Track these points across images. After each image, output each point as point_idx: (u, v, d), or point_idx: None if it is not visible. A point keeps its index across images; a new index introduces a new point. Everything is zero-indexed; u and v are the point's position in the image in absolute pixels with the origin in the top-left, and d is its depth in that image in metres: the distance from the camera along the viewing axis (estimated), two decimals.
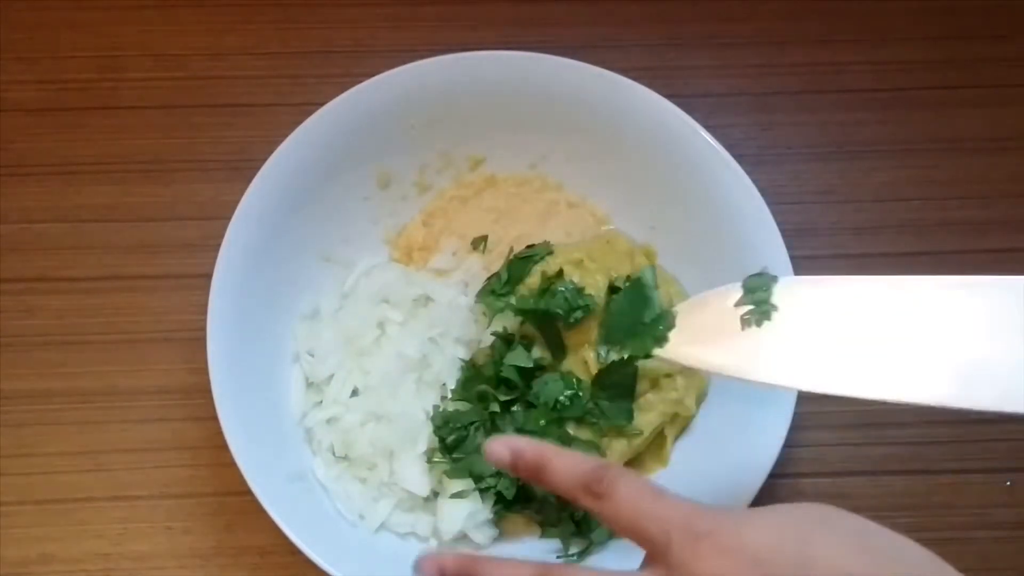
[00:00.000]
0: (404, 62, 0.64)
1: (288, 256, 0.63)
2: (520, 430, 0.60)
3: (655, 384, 0.62)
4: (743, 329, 0.48)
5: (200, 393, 0.58)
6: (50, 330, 0.67)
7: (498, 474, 0.59)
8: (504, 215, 0.68)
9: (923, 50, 0.76)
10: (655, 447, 0.63)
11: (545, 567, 0.41)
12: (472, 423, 0.60)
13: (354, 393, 0.62)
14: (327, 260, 0.66)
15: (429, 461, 0.60)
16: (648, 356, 0.56)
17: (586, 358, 0.61)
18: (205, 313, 0.58)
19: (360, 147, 0.64)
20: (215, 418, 0.56)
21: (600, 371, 0.61)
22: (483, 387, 0.61)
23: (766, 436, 0.58)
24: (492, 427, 0.60)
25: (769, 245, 0.61)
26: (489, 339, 0.62)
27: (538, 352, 0.62)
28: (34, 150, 0.72)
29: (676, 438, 0.63)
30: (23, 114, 0.73)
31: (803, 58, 0.76)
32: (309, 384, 0.63)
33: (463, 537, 0.60)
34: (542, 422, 0.60)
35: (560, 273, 0.62)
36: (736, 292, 0.51)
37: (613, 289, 0.62)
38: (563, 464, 0.42)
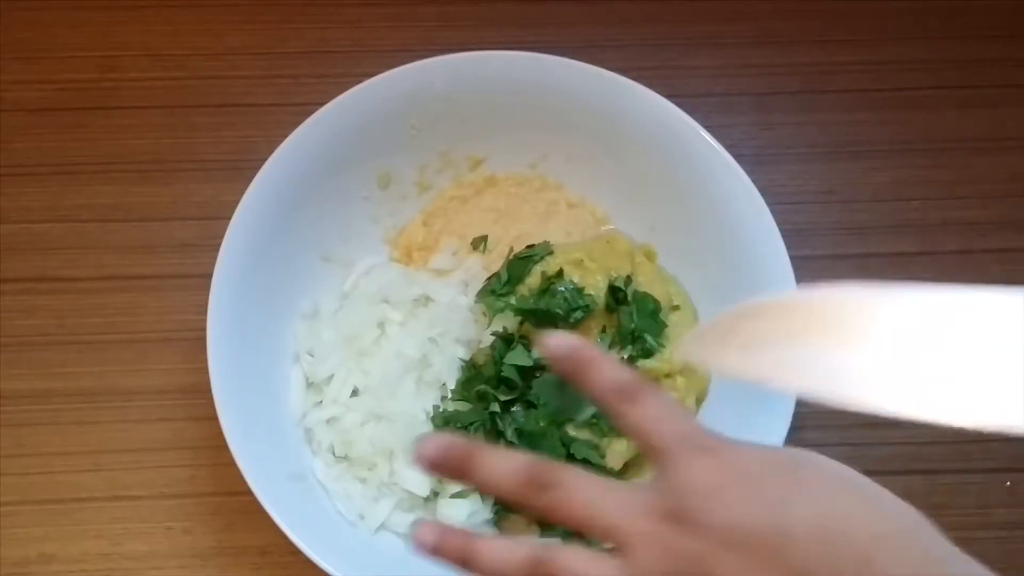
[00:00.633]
0: (404, 62, 0.64)
1: (288, 256, 0.63)
2: (520, 430, 0.60)
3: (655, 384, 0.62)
4: (812, 343, 0.44)
5: (200, 393, 0.58)
6: (50, 330, 0.67)
7: None
8: (504, 215, 0.68)
9: (923, 50, 0.76)
10: None
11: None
12: (472, 423, 0.60)
13: (354, 393, 0.62)
14: (327, 260, 0.66)
15: None
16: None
17: None
18: (205, 313, 0.58)
19: (360, 147, 0.64)
20: (215, 418, 0.56)
21: None
22: (483, 387, 0.61)
23: (766, 436, 0.58)
24: (492, 427, 0.61)
25: (769, 245, 0.61)
26: (489, 339, 0.62)
27: (538, 352, 0.62)
28: (34, 150, 0.72)
29: None
30: (23, 114, 0.73)
31: (803, 58, 0.76)
32: (309, 384, 0.63)
33: None
34: (542, 423, 0.60)
35: (560, 273, 0.62)
36: (796, 299, 0.48)
37: (613, 289, 0.62)
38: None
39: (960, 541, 0.65)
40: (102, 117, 0.73)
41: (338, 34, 0.76)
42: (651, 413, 0.40)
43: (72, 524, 0.63)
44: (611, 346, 0.62)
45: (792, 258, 0.60)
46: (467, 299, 0.65)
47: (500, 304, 0.62)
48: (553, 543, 0.43)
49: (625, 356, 0.61)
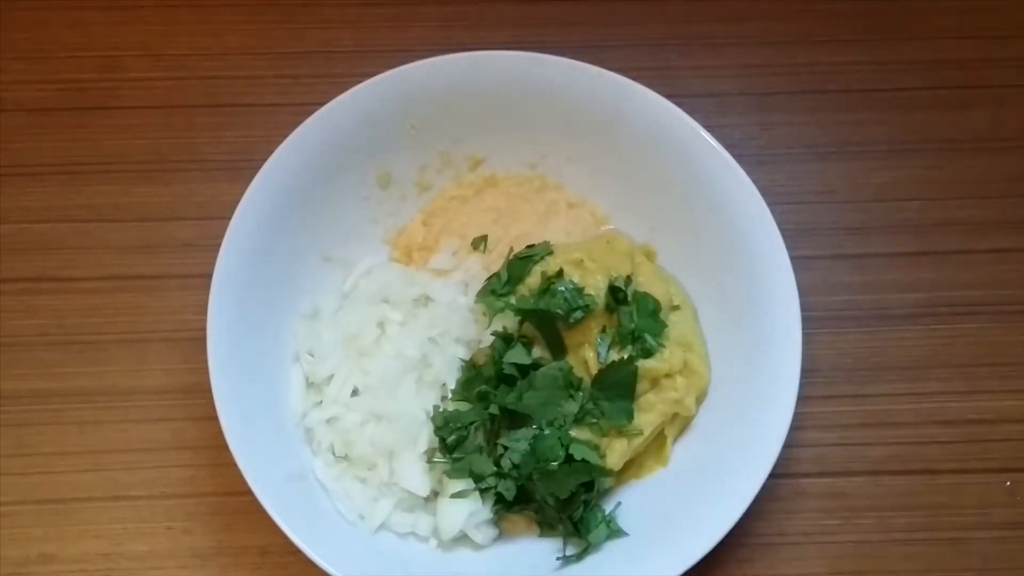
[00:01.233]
0: (404, 62, 0.64)
1: (288, 256, 0.63)
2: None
3: (655, 384, 0.62)
4: None
5: (200, 393, 0.58)
6: (50, 330, 0.67)
7: (498, 474, 0.59)
8: (504, 215, 0.68)
9: (923, 50, 0.76)
10: (655, 447, 0.63)
11: None
12: (472, 423, 0.60)
13: (354, 393, 0.62)
14: (327, 260, 0.66)
15: (429, 461, 0.60)
16: None
17: (586, 358, 0.61)
18: (205, 313, 0.58)
19: (360, 147, 0.65)
20: (215, 418, 0.56)
21: (600, 371, 0.61)
22: (483, 387, 0.61)
23: (766, 436, 0.58)
24: (492, 427, 0.61)
25: (769, 245, 0.61)
26: (489, 339, 0.62)
27: (538, 352, 0.62)
28: (34, 150, 0.72)
29: (676, 438, 0.63)
30: (23, 114, 0.73)
31: (803, 58, 0.76)
32: (309, 384, 0.63)
33: (463, 537, 0.60)
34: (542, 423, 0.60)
35: (560, 273, 0.62)
36: None
37: (613, 289, 0.62)
38: None
39: (960, 541, 0.66)
40: (102, 117, 0.73)
41: (338, 34, 0.76)
42: None
43: (72, 524, 0.63)
44: (611, 346, 0.62)
45: (792, 258, 0.60)
46: (467, 299, 0.65)
47: (500, 304, 0.62)
48: None
49: (625, 356, 0.61)
